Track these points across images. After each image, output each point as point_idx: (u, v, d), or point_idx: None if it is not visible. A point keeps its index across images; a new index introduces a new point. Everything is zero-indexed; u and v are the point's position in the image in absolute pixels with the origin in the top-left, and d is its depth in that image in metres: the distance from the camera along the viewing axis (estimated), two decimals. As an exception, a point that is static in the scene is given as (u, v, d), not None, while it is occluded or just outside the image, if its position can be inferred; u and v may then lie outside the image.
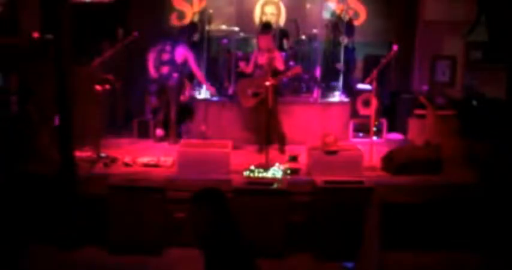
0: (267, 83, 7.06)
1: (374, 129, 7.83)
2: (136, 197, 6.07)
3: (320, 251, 6.13)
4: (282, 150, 7.65)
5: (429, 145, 7.27)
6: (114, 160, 7.08)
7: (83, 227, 6.22)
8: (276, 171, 6.68)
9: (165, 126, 8.34)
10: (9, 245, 6.11)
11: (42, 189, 6.36)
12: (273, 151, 7.50)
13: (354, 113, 8.77)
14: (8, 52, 7.32)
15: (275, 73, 7.36)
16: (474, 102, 8.58)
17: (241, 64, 8.01)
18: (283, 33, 9.23)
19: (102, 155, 7.12)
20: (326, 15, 9.61)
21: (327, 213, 6.11)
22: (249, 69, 7.88)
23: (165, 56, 7.92)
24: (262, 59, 7.58)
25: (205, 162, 6.68)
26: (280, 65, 7.57)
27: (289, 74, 7.61)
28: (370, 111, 7.71)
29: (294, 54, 9.02)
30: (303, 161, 7.18)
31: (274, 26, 9.24)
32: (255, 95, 7.58)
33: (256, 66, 7.75)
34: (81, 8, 8.36)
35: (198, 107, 8.59)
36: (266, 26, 9.03)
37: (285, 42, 9.12)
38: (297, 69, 7.57)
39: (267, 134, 7.17)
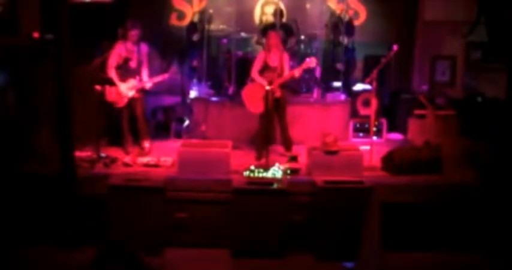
0: (267, 88, 7.01)
1: (374, 129, 7.83)
2: (136, 197, 6.07)
3: (320, 251, 6.14)
4: (289, 154, 7.40)
5: (429, 145, 7.26)
6: (114, 160, 7.08)
7: (83, 227, 6.22)
8: (276, 171, 6.68)
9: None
10: (9, 245, 6.11)
11: (42, 189, 6.37)
12: (273, 152, 7.50)
13: (354, 113, 8.77)
14: (8, 52, 7.31)
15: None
16: (479, 99, 8.58)
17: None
18: (287, 31, 9.17)
19: (102, 155, 7.12)
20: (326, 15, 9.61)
21: (327, 213, 6.11)
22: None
23: None
24: (274, 60, 7.37)
25: (205, 162, 6.67)
26: (288, 67, 7.35)
27: (303, 67, 7.26)
28: (370, 111, 7.71)
29: (294, 54, 9.01)
30: (303, 161, 7.18)
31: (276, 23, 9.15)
32: (266, 97, 7.17)
33: (266, 67, 7.41)
34: (81, 8, 8.35)
35: (198, 107, 8.59)
36: (274, 25, 8.99)
37: (289, 40, 9.07)
38: (309, 63, 7.19)
39: (268, 135, 7.16)
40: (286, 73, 7.28)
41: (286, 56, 7.44)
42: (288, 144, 7.58)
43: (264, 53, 7.54)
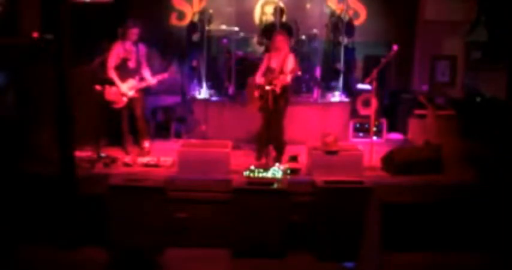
0: (267, 87, 6.91)
1: (374, 129, 7.83)
2: (136, 197, 6.07)
3: (320, 251, 6.14)
4: (278, 160, 7.15)
5: (429, 145, 7.27)
6: (114, 160, 7.08)
7: (83, 227, 6.22)
8: (276, 171, 6.68)
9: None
10: (9, 245, 6.11)
11: (42, 189, 6.37)
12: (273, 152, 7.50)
13: (354, 113, 8.78)
14: (8, 52, 7.32)
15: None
16: (478, 99, 8.58)
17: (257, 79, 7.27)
18: (287, 30, 9.08)
19: (102, 155, 7.12)
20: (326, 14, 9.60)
21: (327, 213, 6.11)
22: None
23: None
24: (276, 62, 7.12)
25: (205, 162, 6.68)
26: (289, 68, 6.98)
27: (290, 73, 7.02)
28: (370, 111, 7.72)
29: (294, 54, 8.99)
30: (303, 161, 7.18)
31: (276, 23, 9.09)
32: (261, 97, 7.10)
33: (268, 69, 7.19)
34: (81, 8, 8.35)
35: (198, 107, 8.59)
36: (274, 25, 8.93)
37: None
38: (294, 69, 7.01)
39: (267, 136, 7.10)
40: (285, 74, 6.98)
41: (290, 57, 7.13)
42: (279, 148, 7.25)
43: (268, 55, 7.39)
